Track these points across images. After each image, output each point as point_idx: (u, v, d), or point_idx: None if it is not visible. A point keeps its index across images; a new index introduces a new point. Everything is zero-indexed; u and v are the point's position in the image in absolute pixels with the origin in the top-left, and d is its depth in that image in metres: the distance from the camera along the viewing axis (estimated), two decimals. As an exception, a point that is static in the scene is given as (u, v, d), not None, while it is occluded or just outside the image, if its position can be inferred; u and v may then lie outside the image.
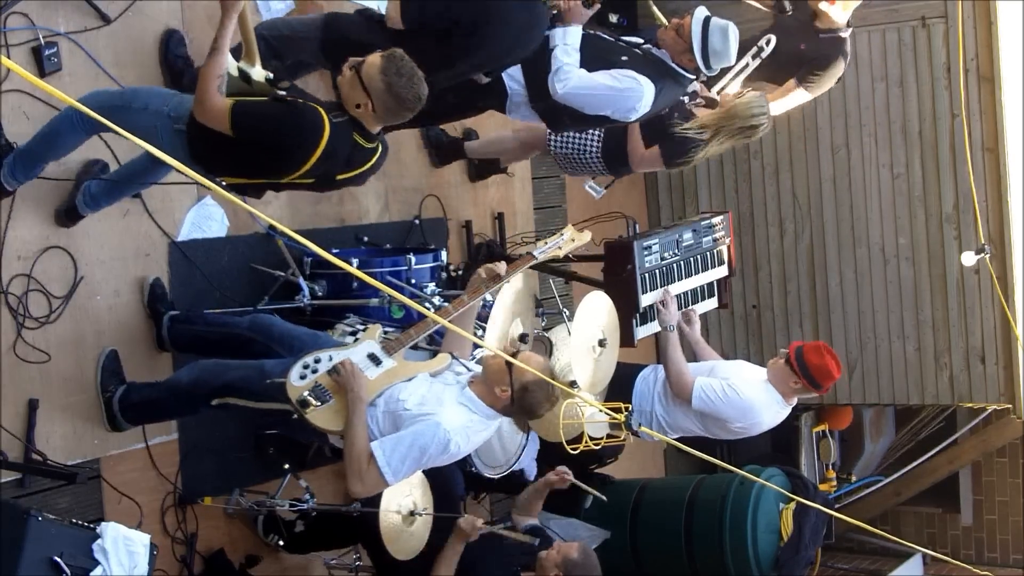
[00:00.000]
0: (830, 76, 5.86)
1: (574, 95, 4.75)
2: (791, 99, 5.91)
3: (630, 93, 4.78)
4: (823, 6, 5.69)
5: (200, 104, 3.82)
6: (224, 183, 4.05)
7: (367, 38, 4.48)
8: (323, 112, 3.88)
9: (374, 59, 3.87)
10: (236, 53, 3.98)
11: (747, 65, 5.67)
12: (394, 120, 4.01)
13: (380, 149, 4.11)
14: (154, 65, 4.88)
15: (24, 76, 2.36)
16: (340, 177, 4.07)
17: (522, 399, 4.07)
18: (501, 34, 4.60)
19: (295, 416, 4.09)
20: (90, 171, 4.50)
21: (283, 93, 3.94)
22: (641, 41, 5.01)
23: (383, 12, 4.64)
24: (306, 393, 4.05)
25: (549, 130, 5.64)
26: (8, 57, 4.30)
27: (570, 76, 4.71)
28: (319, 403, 4.05)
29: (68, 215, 4.48)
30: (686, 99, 5.27)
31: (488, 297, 4.57)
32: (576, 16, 4.73)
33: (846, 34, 5.82)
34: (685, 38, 4.81)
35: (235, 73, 3.91)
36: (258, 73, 4.01)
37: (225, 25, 3.80)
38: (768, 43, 5.69)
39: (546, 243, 4.64)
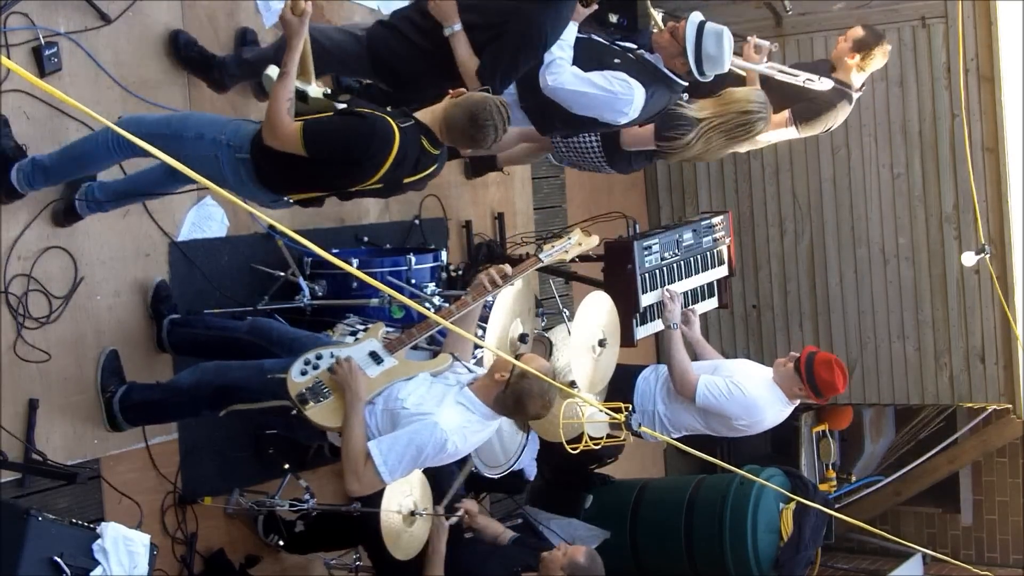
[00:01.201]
0: (823, 122, 5.81)
1: (563, 90, 4.73)
2: (780, 133, 5.85)
3: (620, 96, 4.76)
4: (849, 60, 5.70)
5: (271, 129, 3.87)
6: (292, 200, 4.12)
7: (413, 66, 4.58)
8: (391, 120, 3.94)
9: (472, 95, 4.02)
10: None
11: (792, 76, 5.65)
12: (459, 147, 4.18)
13: (442, 154, 4.19)
14: (155, 65, 4.88)
15: (24, 76, 2.36)
16: (407, 180, 4.13)
17: (517, 383, 4.03)
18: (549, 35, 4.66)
19: (294, 412, 4.09)
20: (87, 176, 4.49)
21: (344, 106, 4.02)
22: (635, 47, 5.00)
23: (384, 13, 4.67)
24: (305, 389, 4.06)
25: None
26: (8, 57, 4.30)
27: (562, 70, 4.69)
28: (318, 400, 4.06)
29: (66, 215, 4.47)
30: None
31: (488, 297, 4.57)
32: (574, 15, 4.73)
33: (855, 94, 5.83)
34: (680, 40, 4.80)
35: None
36: (314, 90, 4.07)
37: (292, 49, 3.85)
38: (823, 82, 5.66)
39: (553, 246, 4.61)
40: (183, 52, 4.91)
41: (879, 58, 5.75)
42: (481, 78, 4.47)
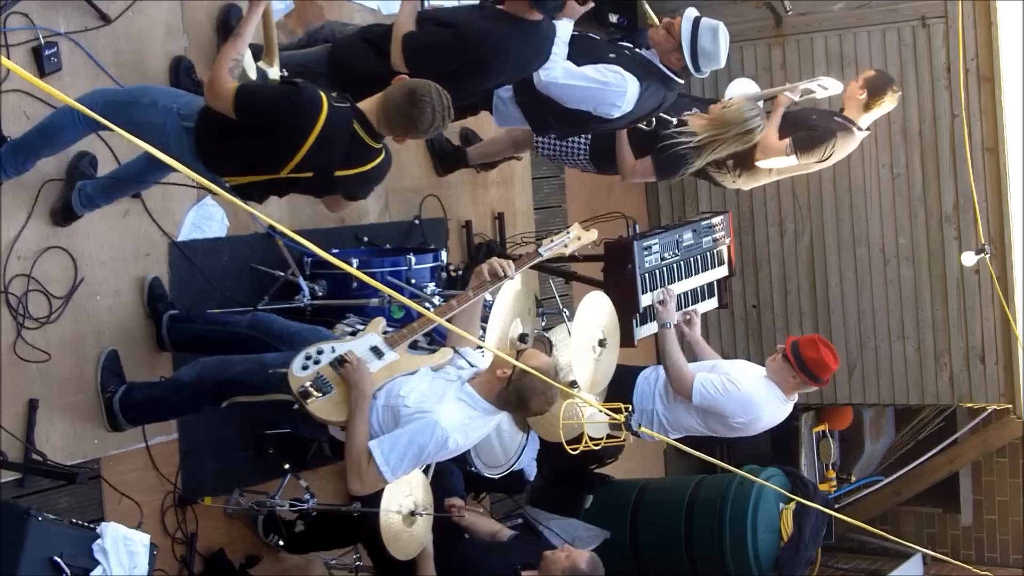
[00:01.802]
0: (821, 150, 5.85)
1: (557, 84, 4.74)
2: (780, 160, 5.89)
3: (614, 87, 4.77)
4: (858, 96, 5.78)
5: (210, 84, 3.85)
6: (228, 184, 4.04)
7: (374, 72, 4.50)
8: (324, 93, 3.90)
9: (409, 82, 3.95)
10: (257, 54, 3.99)
11: (804, 90, 5.73)
12: (395, 132, 4.01)
13: (383, 154, 4.09)
14: (155, 66, 4.88)
15: (24, 76, 2.36)
16: (339, 174, 4.01)
17: (519, 381, 4.02)
18: (504, 69, 4.61)
19: (296, 407, 4.09)
20: (79, 165, 4.49)
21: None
22: (631, 46, 5.02)
23: (384, 13, 4.65)
24: (307, 384, 4.06)
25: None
26: (8, 57, 4.30)
27: (555, 65, 4.70)
28: (320, 394, 4.06)
29: (64, 214, 4.46)
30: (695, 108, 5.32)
31: (488, 297, 4.57)
32: (568, 11, 4.73)
33: (859, 133, 5.89)
34: (675, 36, 4.82)
35: (254, 76, 3.93)
36: (275, 74, 4.06)
37: (251, 14, 3.89)
38: (824, 88, 5.79)
39: (552, 241, 4.63)
40: (180, 84, 4.87)
41: (888, 102, 5.84)
42: (404, 41, 4.42)
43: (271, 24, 4.05)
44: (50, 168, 4.41)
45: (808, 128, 5.81)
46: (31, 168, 4.31)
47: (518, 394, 4.05)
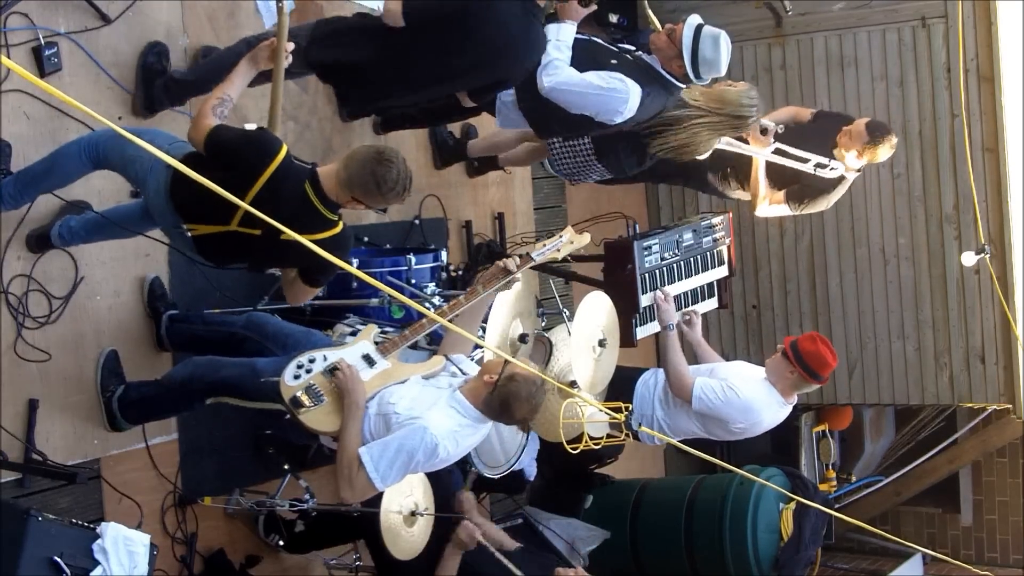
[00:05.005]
0: (818, 204, 6.01)
1: (560, 90, 4.74)
2: (776, 209, 6.02)
3: (616, 94, 4.77)
4: (857, 159, 5.80)
5: (194, 121, 3.95)
6: (190, 232, 4.04)
7: (354, 46, 4.49)
8: (285, 145, 3.95)
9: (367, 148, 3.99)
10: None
11: (801, 162, 5.76)
12: (353, 191, 3.94)
13: (340, 228, 4.02)
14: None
15: (24, 76, 2.36)
16: (285, 238, 3.67)
17: (504, 386, 4.01)
18: (494, 35, 4.58)
19: (287, 416, 4.09)
20: (73, 204, 4.47)
21: None
22: (633, 48, 5.01)
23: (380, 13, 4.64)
24: (299, 393, 4.05)
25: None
26: (8, 57, 4.30)
27: (558, 71, 4.70)
28: (312, 403, 4.05)
29: (39, 242, 4.43)
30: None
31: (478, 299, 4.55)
32: (570, 13, 4.72)
33: (850, 177, 5.92)
34: (676, 43, 4.81)
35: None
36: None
37: (245, 71, 4.07)
38: (832, 171, 5.81)
39: (544, 245, 4.62)
40: (147, 59, 4.81)
41: (886, 150, 5.85)
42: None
43: (279, 93, 4.09)
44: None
45: (804, 186, 5.90)
46: (29, 201, 4.31)
47: (502, 400, 4.03)
